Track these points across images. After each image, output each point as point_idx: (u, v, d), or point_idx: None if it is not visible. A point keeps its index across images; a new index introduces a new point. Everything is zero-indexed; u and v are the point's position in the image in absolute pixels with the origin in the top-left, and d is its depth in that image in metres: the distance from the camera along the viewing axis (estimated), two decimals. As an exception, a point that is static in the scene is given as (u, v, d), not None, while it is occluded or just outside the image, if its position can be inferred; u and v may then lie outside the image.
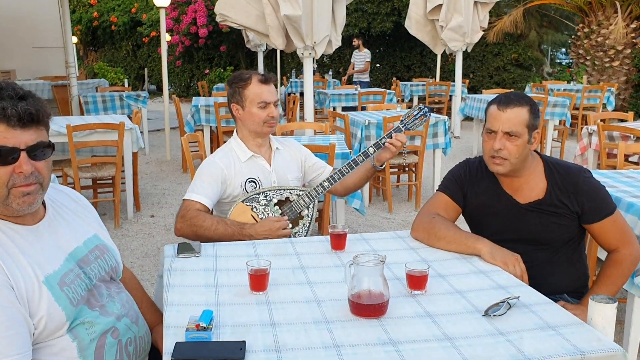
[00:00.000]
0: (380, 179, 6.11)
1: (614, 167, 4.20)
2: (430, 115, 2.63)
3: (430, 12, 9.37)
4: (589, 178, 2.20)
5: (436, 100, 11.69)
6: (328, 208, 4.11)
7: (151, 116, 11.83)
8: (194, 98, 7.98)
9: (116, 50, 20.74)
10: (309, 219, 2.52)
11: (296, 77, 13.44)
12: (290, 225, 2.48)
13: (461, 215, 2.36)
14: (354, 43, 12.65)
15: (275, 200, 2.49)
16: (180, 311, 1.58)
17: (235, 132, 2.67)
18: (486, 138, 2.19)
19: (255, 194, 2.48)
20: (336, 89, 10.24)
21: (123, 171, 5.44)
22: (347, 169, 2.52)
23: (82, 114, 8.55)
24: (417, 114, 2.61)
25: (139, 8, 18.79)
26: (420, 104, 2.68)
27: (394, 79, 12.98)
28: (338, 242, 2.08)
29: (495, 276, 1.84)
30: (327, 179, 2.52)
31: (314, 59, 6.49)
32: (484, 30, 10.09)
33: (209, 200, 2.46)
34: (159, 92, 18.32)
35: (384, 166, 2.65)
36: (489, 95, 8.53)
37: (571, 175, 2.19)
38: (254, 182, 2.56)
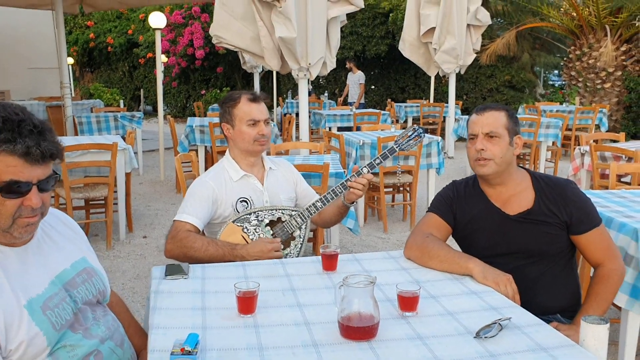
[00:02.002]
0: (375, 199, 6.09)
1: (607, 187, 4.20)
2: (424, 135, 2.63)
3: (424, 34, 9.45)
4: (576, 189, 2.24)
5: (430, 121, 11.73)
6: (322, 228, 4.10)
7: (147, 136, 11.83)
8: (189, 118, 7.99)
9: (112, 72, 20.83)
10: (301, 239, 2.49)
11: (292, 98, 13.49)
12: (282, 247, 2.45)
13: (451, 237, 2.35)
14: (347, 66, 12.75)
15: (266, 221, 2.47)
16: (166, 334, 1.55)
17: (227, 151, 2.66)
18: (469, 144, 2.27)
19: (246, 214, 2.46)
20: (331, 109, 10.28)
21: (116, 192, 5.42)
22: (340, 188, 2.50)
23: (76, 134, 8.54)
24: (411, 135, 2.60)
25: (135, 30, 18.91)
26: (415, 125, 2.68)
27: (389, 100, 13.04)
28: (329, 262, 2.06)
29: (487, 297, 1.82)
30: (320, 199, 2.51)
31: (309, 80, 6.52)
32: (477, 53, 10.18)
33: (200, 221, 2.44)
34: (155, 112, 18.35)
35: (353, 204, 2.63)
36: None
37: (559, 186, 2.23)
38: (245, 201, 2.54)
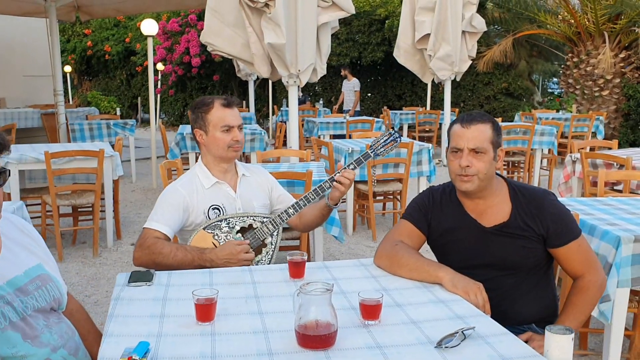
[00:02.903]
0: (365, 207, 6.05)
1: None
2: (400, 140, 2.58)
3: (419, 41, 9.42)
4: (554, 201, 2.16)
5: (426, 129, 11.69)
6: (307, 235, 4.05)
7: (141, 144, 11.81)
8: (180, 126, 7.96)
9: (110, 79, 20.83)
10: (273, 247, 2.45)
11: (287, 106, 13.45)
12: (253, 253, 2.41)
13: (427, 244, 2.30)
14: (341, 73, 12.73)
15: (237, 227, 2.43)
16: (118, 343, 1.51)
17: (199, 158, 2.62)
18: (452, 157, 2.17)
19: (217, 221, 2.42)
20: (325, 117, 10.25)
21: (103, 199, 5.38)
22: (313, 195, 2.46)
23: (69, 141, 8.52)
24: (386, 140, 2.57)
25: (132, 38, 18.93)
26: (391, 130, 2.64)
27: (385, 107, 13.02)
28: (296, 270, 2.02)
29: (454, 306, 1.78)
30: (292, 205, 2.47)
31: (299, 87, 6.49)
32: (472, 60, 10.16)
33: (169, 229, 2.40)
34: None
35: (337, 205, 2.58)
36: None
37: (536, 198, 2.16)
38: (217, 209, 2.50)
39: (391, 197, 6.30)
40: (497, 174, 2.25)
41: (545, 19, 12.90)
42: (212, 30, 6.09)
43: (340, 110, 12.79)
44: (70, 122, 8.93)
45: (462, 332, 1.54)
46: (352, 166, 2.48)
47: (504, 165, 8.16)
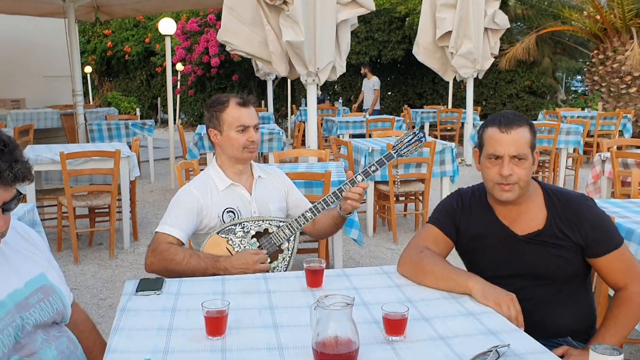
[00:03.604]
0: (386, 208, 5.90)
1: (629, 196, 3.96)
2: (424, 140, 2.44)
3: (440, 38, 9.24)
4: (592, 207, 2.00)
5: (448, 128, 11.51)
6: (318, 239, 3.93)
7: (160, 145, 11.78)
8: (199, 126, 7.88)
9: (130, 80, 20.89)
10: (290, 252, 2.32)
11: (306, 106, 13.35)
12: (269, 260, 2.29)
13: (454, 250, 2.16)
14: (361, 72, 12.58)
15: (252, 232, 2.31)
16: (122, 359, 1.39)
17: (214, 159, 2.51)
18: (489, 164, 1.98)
19: (232, 225, 2.30)
20: (344, 116, 10.11)
21: (120, 200, 5.31)
22: (332, 198, 2.33)
23: (88, 142, 8.50)
24: (410, 139, 2.43)
25: (152, 38, 18.95)
26: (415, 129, 2.50)
27: (405, 106, 12.84)
28: (314, 278, 1.89)
29: (486, 319, 1.64)
30: (310, 209, 2.34)
31: (318, 85, 6.37)
32: (495, 57, 9.95)
33: (183, 233, 2.29)
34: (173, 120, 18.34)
35: (350, 214, 2.44)
36: (499, 122, 8.29)
37: (573, 204, 1.99)
38: (232, 212, 2.38)
39: (413, 197, 6.15)
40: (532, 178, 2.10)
41: (569, 15, 12.62)
42: (229, 28, 6.00)
43: (360, 109, 12.64)
44: (89, 122, 8.91)
45: (495, 350, 1.40)
46: (373, 167, 2.34)
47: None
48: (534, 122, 8.91)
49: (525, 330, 1.89)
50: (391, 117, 9.31)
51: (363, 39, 14.58)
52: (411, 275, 1.96)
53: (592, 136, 9.22)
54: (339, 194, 2.33)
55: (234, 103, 2.39)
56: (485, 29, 9.41)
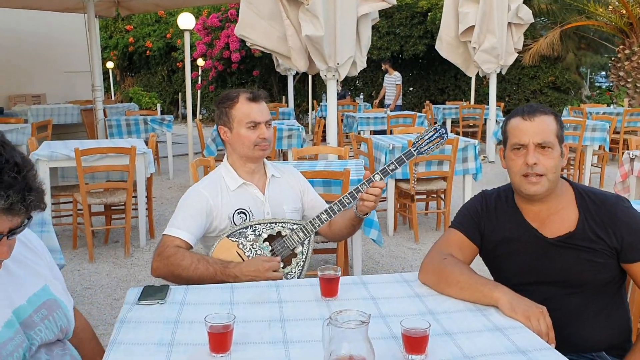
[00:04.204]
0: (407, 206, 5.76)
1: (662, 197, 3.78)
2: (446, 137, 2.30)
3: (463, 33, 9.04)
4: (628, 208, 1.84)
5: (470, 124, 11.29)
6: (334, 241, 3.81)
7: (180, 140, 11.76)
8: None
9: (152, 75, 20.94)
10: (304, 257, 2.20)
11: (326, 101, 13.22)
12: (282, 265, 2.17)
13: (478, 256, 2.02)
14: (382, 68, 12.41)
15: (265, 235, 2.19)
16: (117, 378, 1.29)
17: (225, 157, 2.39)
18: (513, 156, 1.86)
19: (243, 228, 2.18)
20: (365, 112, 9.96)
21: (135, 197, 5.24)
22: (349, 199, 2.20)
23: (107, 137, 8.48)
24: (432, 136, 2.29)
25: (173, 33, 18.94)
26: (437, 125, 2.36)
27: (427, 102, 12.64)
28: (329, 287, 1.76)
29: (514, 335, 1.50)
30: (326, 210, 2.21)
31: (338, 81, 6.24)
32: (518, 53, 9.72)
33: (191, 236, 2.18)
34: (193, 116, 18.34)
35: (367, 215, 2.32)
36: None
37: (608, 205, 1.84)
38: (243, 213, 2.27)
39: (435, 196, 5.99)
40: (561, 177, 1.95)
41: (594, 9, 12.31)
42: (247, 23, 5.89)
43: (382, 105, 12.48)
44: (108, 118, 8.88)
45: None
46: (392, 166, 2.21)
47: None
48: (562, 118, 8.69)
49: (555, 346, 1.75)
50: (413, 113, 9.15)
51: (385, 34, 14.40)
52: (434, 284, 1.83)
53: (618, 133, 8.96)
54: (355, 194, 2.20)
55: (244, 98, 2.27)
56: (509, 23, 9.19)
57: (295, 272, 2.18)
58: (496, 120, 9.06)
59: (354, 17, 5.88)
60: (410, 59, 14.65)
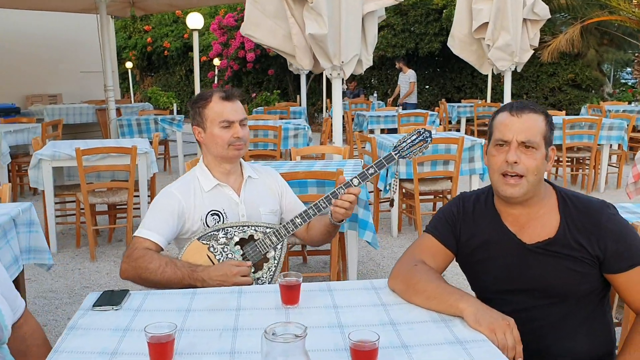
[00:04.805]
0: (412, 207, 5.66)
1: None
2: (430, 140, 2.21)
3: (476, 30, 8.88)
4: (614, 215, 1.73)
5: (485, 122, 11.11)
6: (343, 239, 3.76)
7: (193, 139, 11.75)
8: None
9: (170, 75, 21.06)
10: (276, 261, 2.13)
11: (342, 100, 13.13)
12: (253, 269, 2.10)
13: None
14: (396, 66, 12.29)
15: (236, 239, 2.12)
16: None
17: (201, 158, 2.34)
18: (495, 152, 1.77)
19: (214, 231, 2.12)
20: (377, 110, 9.86)
21: (138, 196, 5.23)
22: (324, 203, 2.13)
23: (118, 137, 8.52)
24: (415, 139, 2.20)
25: (191, 33, 19.02)
26: (421, 128, 2.27)
27: (442, 100, 12.49)
28: (289, 294, 1.69)
29: (475, 349, 1.41)
30: (301, 214, 2.14)
31: (343, 79, 6.17)
32: (534, 50, 9.52)
33: (162, 238, 2.13)
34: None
35: (343, 222, 2.24)
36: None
37: (592, 211, 1.74)
38: (217, 214, 2.21)
39: (441, 196, 5.88)
40: (545, 180, 1.85)
41: (617, 4, 12.02)
42: (252, 21, 5.86)
43: (396, 104, 12.36)
44: (121, 117, 8.92)
45: None
46: (371, 170, 2.14)
47: (568, 162, 7.56)
48: (574, 116, 8.50)
49: (535, 355, 1.67)
50: (424, 111, 9.03)
51: (399, 32, 14.28)
52: (401, 291, 1.75)
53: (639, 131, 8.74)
54: (332, 197, 2.13)
55: (217, 98, 2.21)
56: (524, 19, 8.99)
57: (266, 278, 2.12)
58: (510, 119, 8.88)
59: (359, 14, 5.81)
60: (426, 56, 14.50)
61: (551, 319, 1.77)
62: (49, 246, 5.05)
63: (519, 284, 1.79)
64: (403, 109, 10.42)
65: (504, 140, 1.74)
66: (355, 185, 2.12)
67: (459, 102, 12.81)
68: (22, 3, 9.65)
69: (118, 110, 10.21)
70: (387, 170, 5.36)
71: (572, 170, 7.87)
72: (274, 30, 5.88)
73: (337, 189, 2.12)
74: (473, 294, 1.95)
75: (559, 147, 7.26)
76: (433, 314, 1.61)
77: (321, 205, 2.13)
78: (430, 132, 2.22)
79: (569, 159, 7.63)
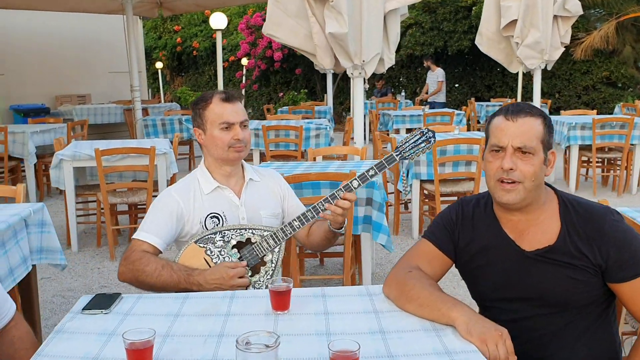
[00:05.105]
0: (434, 209, 5.57)
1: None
2: (434, 140, 2.15)
3: (505, 28, 8.71)
4: (618, 222, 1.65)
5: (516, 122, 10.92)
6: (358, 242, 3.71)
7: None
8: (255, 122, 7.79)
9: (199, 75, 21.24)
10: (273, 265, 2.10)
11: (368, 99, 13.08)
12: (250, 273, 2.07)
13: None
14: (424, 64, 12.15)
15: (233, 242, 2.09)
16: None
17: (202, 160, 2.32)
18: (491, 158, 1.71)
19: (212, 234, 2.10)
20: (403, 109, 9.76)
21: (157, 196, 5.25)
22: (322, 205, 2.09)
23: (143, 137, 8.61)
24: (417, 140, 2.15)
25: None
26: (425, 128, 2.21)
27: (471, 99, 12.31)
28: (279, 300, 1.65)
29: (464, 361, 1.36)
30: (299, 217, 2.10)
31: (364, 79, 6.11)
32: (566, 47, 9.30)
33: (160, 240, 2.11)
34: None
35: (342, 229, 2.19)
36: (567, 117, 7.73)
37: (595, 217, 1.66)
38: (216, 217, 2.18)
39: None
40: (545, 183, 1.78)
41: (655, -1, 11.69)
42: (274, 21, 5.85)
43: (425, 102, 12.23)
44: (146, 117, 9.01)
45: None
46: (371, 172, 2.09)
47: (598, 163, 7.35)
48: (605, 116, 8.26)
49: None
50: (451, 110, 8.90)
51: (428, 30, 14.13)
52: (395, 298, 1.70)
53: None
54: (331, 200, 2.08)
55: (218, 99, 2.18)
56: (555, 16, 8.80)
57: (263, 281, 2.08)
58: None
59: (380, 13, 5.75)
60: (455, 54, 14.31)
61: (551, 328, 1.70)
62: (70, 245, 5.20)
63: (518, 291, 1.72)
64: (431, 108, 10.30)
65: (499, 145, 1.68)
66: (354, 188, 2.08)
67: (489, 101, 12.61)
68: (52, 5, 9.84)
69: (145, 110, 10.33)
70: (408, 171, 5.29)
71: (602, 172, 7.66)
72: (296, 30, 5.87)
73: (335, 192, 2.08)
74: (474, 302, 1.90)
75: (589, 148, 7.07)
76: (425, 323, 1.56)
77: (319, 207, 2.09)
78: (433, 132, 2.16)
79: (600, 160, 7.42)
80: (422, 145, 2.13)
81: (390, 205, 5.97)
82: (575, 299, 1.66)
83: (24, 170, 7.01)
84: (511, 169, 1.65)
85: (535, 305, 1.70)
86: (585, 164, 7.50)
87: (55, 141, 5.42)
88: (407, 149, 2.13)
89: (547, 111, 10.23)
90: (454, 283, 3.94)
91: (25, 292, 2.97)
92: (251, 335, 1.17)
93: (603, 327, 1.71)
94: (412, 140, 2.14)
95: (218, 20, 7.87)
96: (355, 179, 2.09)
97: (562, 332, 1.69)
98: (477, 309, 1.89)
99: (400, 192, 5.44)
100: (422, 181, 5.29)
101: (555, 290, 1.66)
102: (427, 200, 5.52)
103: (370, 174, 2.09)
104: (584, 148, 7.09)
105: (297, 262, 3.43)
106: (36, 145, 6.82)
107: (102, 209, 5.14)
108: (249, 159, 6.94)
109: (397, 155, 2.12)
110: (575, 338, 1.68)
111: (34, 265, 3.00)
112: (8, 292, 2.53)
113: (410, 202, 5.82)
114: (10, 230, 2.65)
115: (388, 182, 6.61)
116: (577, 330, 1.68)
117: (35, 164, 6.80)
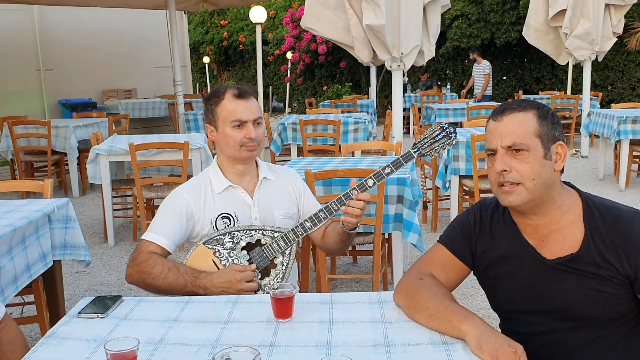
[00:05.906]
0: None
1: None
2: (454, 136, 2.02)
3: (553, 18, 8.39)
4: None
5: (566, 115, 10.51)
6: (390, 240, 3.59)
7: (262, 133, 11.80)
8: (287, 115, 7.73)
9: (245, 69, 21.35)
10: (284, 267, 2.01)
11: (411, 92, 12.86)
12: (260, 276, 1.99)
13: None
14: (470, 57, 11.85)
15: (243, 243, 2.01)
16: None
17: (215, 158, 2.24)
18: (489, 164, 1.59)
19: (221, 235, 2.02)
20: (447, 103, 9.53)
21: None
22: (336, 205, 1.99)
23: (185, 131, 8.67)
24: (437, 135, 2.02)
25: (265, 27, 19.19)
26: (444, 123, 2.07)
27: (519, 92, 11.93)
28: (281, 307, 1.56)
29: (471, 381, 1.24)
30: (310, 217, 2.00)
31: (403, 72, 5.97)
32: (618, 37, 8.89)
33: (169, 241, 2.05)
34: (284, 109, 18.55)
35: (355, 229, 2.07)
36: (617, 110, 7.36)
37: (622, 223, 1.50)
38: (228, 217, 2.11)
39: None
40: (566, 183, 1.63)
41: None
42: (312, 14, 5.78)
43: (470, 95, 11.94)
44: (187, 112, 9.07)
45: None
46: (387, 170, 1.98)
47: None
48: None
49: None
50: (495, 104, 8.62)
51: (474, 21, 13.75)
52: (405, 306, 1.58)
53: None
54: (345, 200, 1.98)
55: (230, 95, 2.10)
56: (607, 5, 8.42)
57: (273, 285, 1.99)
58: (589, 112, 8.32)
59: (420, 4, 5.59)
60: (503, 46, 13.89)
61: (575, 343, 1.55)
62: (107, 239, 5.25)
63: (538, 304, 1.58)
64: (478, 102, 10.02)
65: (490, 149, 1.57)
66: (369, 186, 1.97)
67: (537, 94, 12.18)
68: (100, 1, 10.00)
69: (189, 104, 10.41)
70: (446, 167, 5.12)
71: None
72: (334, 22, 5.79)
73: (349, 191, 1.97)
74: (493, 314, 1.76)
75: (638, 142, 6.72)
76: (435, 335, 1.44)
77: (333, 207, 1.99)
78: (454, 127, 2.03)
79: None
80: (443, 141, 2.01)
81: (429, 202, 5.81)
82: (600, 313, 1.51)
83: (67, 164, 7.15)
84: (505, 171, 1.52)
85: (557, 319, 1.56)
86: (637, 160, 7.14)
87: (93, 135, 5.48)
88: (426, 145, 2.01)
89: (597, 105, 9.81)
90: (469, 292, 3.78)
91: (50, 287, 2.97)
92: (232, 351, 1.09)
93: (633, 344, 1.55)
94: (432, 136, 2.02)
95: (258, 14, 7.83)
96: (370, 177, 1.99)
97: (587, 347, 1.54)
98: (496, 320, 1.76)
99: (439, 188, 5.28)
100: (461, 177, 5.12)
101: (579, 303, 1.51)
102: (466, 197, 5.33)
103: (386, 171, 1.98)
104: (635, 143, 6.74)
105: (325, 261, 3.35)
106: (79, 139, 6.94)
107: (138, 203, 5.17)
108: (286, 153, 6.88)
109: (414, 152, 2.00)
110: (602, 354, 1.53)
111: (59, 261, 3.00)
112: (24, 288, 2.54)
113: (430, 202, 5.68)
114: (31, 227, 2.64)
115: (427, 178, 6.45)
116: (605, 346, 1.53)
117: (77, 158, 6.92)
